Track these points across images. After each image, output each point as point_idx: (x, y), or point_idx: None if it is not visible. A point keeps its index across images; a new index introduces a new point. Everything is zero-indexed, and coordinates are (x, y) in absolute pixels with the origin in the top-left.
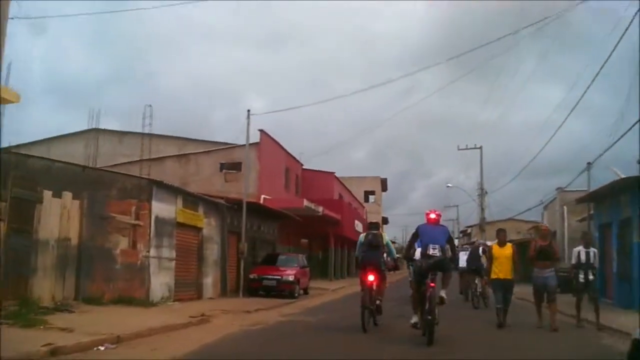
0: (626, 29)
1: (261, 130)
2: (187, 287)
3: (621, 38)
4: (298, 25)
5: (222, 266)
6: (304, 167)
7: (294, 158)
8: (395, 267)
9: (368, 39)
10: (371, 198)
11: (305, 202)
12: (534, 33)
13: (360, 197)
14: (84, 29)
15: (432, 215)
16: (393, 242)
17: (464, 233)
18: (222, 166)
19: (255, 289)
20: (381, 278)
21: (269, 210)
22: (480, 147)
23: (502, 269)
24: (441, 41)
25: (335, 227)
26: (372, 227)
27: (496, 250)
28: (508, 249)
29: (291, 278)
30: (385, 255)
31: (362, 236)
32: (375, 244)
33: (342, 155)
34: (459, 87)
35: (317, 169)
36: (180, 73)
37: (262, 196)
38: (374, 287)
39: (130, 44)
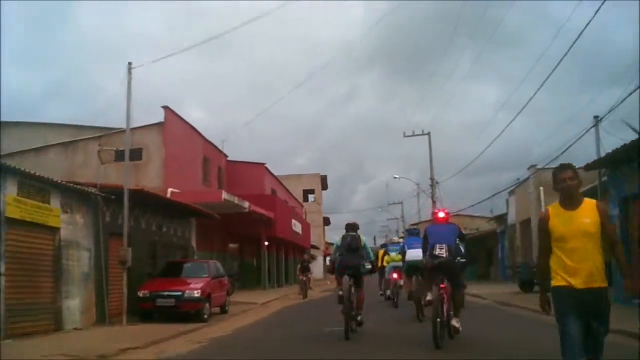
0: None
1: (166, 107)
2: (33, 315)
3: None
4: (238, 31)
5: (97, 282)
6: (229, 158)
7: (216, 147)
8: (373, 270)
9: (308, 43)
10: (311, 197)
11: (225, 195)
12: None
13: (299, 196)
14: None
15: (441, 214)
16: None
17: (409, 232)
18: (119, 154)
19: (147, 312)
20: (359, 284)
21: (178, 206)
22: (428, 134)
23: (580, 265)
24: (380, 44)
25: (268, 227)
26: (349, 228)
27: (558, 217)
28: (589, 212)
29: (196, 293)
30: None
31: (338, 239)
32: (354, 247)
33: (285, 162)
34: (398, 90)
35: (246, 160)
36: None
37: (169, 189)
38: (353, 295)
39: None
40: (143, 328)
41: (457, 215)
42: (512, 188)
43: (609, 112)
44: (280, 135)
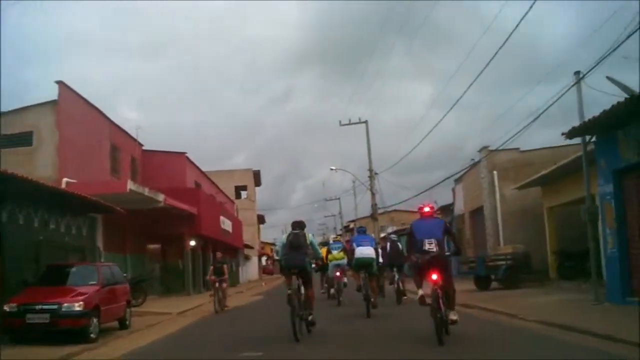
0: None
1: (60, 83)
2: None
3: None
4: (174, 31)
5: None
6: (145, 148)
7: (128, 135)
8: (322, 268)
9: (245, 43)
10: (243, 194)
11: (131, 185)
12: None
13: (231, 194)
14: None
15: (426, 209)
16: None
17: (346, 228)
18: (6, 140)
19: (17, 331)
20: (308, 282)
21: (70, 199)
22: (366, 122)
23: None
24: (314, 43)
25: (192, 224)
26: (294, 226)
27: None
28: None
29: (78, 306)
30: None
31: (283, 237)
32: (296, 245)
33: (221, 162)
34: (334, 89)
35: (165, 149)
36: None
37: (64, 179)
38: (302, 293)
39: None
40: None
41: (395, 210)
42: (461, 174)
43: (594, 67)
44: (217, 134)
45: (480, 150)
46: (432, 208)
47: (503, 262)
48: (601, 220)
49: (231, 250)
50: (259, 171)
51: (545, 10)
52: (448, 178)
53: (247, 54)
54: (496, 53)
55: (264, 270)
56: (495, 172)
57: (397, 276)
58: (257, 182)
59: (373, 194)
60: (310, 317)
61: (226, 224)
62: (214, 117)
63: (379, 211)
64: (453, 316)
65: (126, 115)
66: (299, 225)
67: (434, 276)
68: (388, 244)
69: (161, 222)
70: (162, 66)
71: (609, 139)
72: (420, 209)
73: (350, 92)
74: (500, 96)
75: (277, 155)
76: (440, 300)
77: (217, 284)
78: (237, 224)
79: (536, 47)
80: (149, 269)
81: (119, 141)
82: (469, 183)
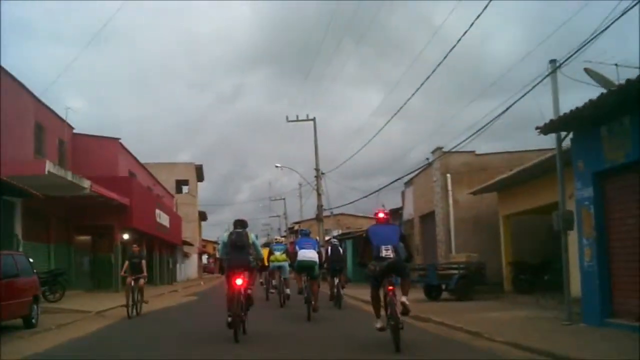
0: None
1: None
2: None
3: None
4: (121, 24)
5: None
6: (75, 131)
7: (56, 115)
8: (263, 268)
9: (193, 39)
10: (185, 189)
11: (50, 167)
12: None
13: (171, 188)
14: None
15: (381, 215)
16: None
17: (291, 230)
18: None
19: None
20: (251, 280)
21: None
22: (314, 119)
23: None
24: (266, 42)
25: (123, 216)
26: (237, 225)
27: None
28: None
29: None
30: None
31: (224, 235)
32: (240, 244)
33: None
34: (284, 91)
35: (97, 134)
36: None
37: None
38: (243, 291)
39: None
40: None
41: (342, 214)
42: (412, 176)
43: (569, 57)
44: (160, 130)
45: (433, 152)
46: (386, 214)
47: (456, 272)
48: (577, 229)
49: (168, 246)
50: (201, 166)
51: (494, 26)
52: (398, 179)
53: (194, 50)
54: (444, 58)
55: (204, 269)
56: (448, 175)
57: (336, 281)
58: (200, 177)
59: (319, 195)
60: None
61: (163, 218)
62: (158, 112)
63: (325, 213)
64: (405, 300)
65: (67, 101)
66: (241, 224)
67: (392, 282)
68: (329, 248)
69: (89, 211)
70: (107, 58)
71: (589, 136)
72: (376, 214)
73: (299, 94)
74: (450, 107)
75: (223, 153)
76: (396, 308)
77: (132, 283)
78: (175, 219)
79: (485, 61)
80: (77, 261)
81: (46, 121)
82: (420, 186)
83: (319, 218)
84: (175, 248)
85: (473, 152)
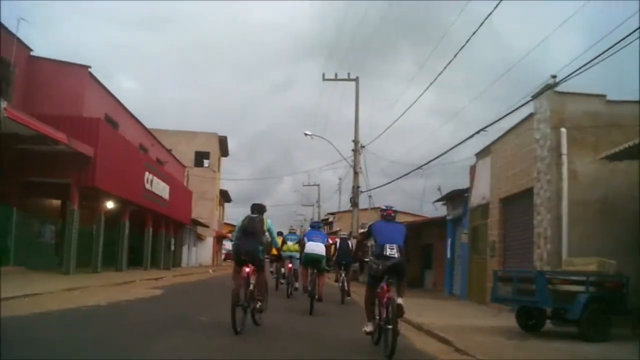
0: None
1: None
2: None
3: None
4: (177, 8)
5: None
6: (33, 53)
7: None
8: (277, 258)
9: (248, 27)
10: (205, 163)
11: None
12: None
13: (190, 160)
14: None
15: (388, 211)
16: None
17: (325, 222)
18: None
19: None
20: (259, 270)
21: None
22: (356, 79)
23: None
24: (321, 35)
25: (83, 172)
26: (253, 209)
27: None
28: None
29: None
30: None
31: (240, 219)
32: (251, 231)
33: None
34: (335, 85)
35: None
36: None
37: None
38: (251, 281)
39: None
40: None
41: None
42: (483, 145)
43: None
44: (204, 114)
45: (534, 96)
46: (393, 212)
47: (582, 289)
48: None
49: (170, 224)
50: (225, 137)
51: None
52: (463, 142)
53: (246, 37)
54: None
55: (227, 256)
56: (563, 131)
57: (342, 275)
58: (224, 152)
59: (356, 173)
60: (258, 305)
61: (158, 187)
62: (205, 95)
63: (363, 205)
64: (401, 302)
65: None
66: (258, 209)
67: (390, 284)
68: (338, 241)
69: (36, 163)
70: (160, 41)
71: None
72: (383, 210)
73: (346, 88)
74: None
75: (265, 143)
76: (388, 311)
77: None
78: (182, 193)
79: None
80: (29, 230)
81: None
82: (504, 154)
83: (354, 202)
84: (183, 227)
85: (603, 96)
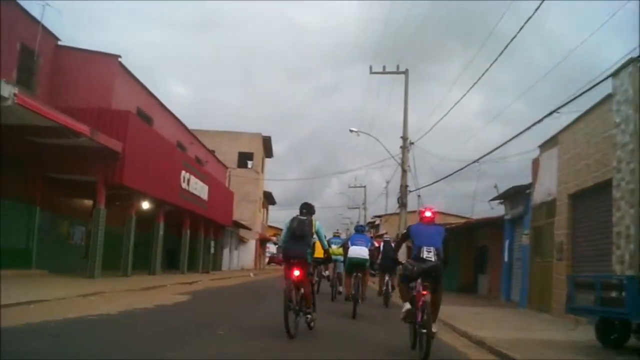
0: None
1: None
2: None
3: None
4: (227, 12)
5: None
6: (60, 43)
7: (26, 13)
8: (328, 260)
9: (297, 31)
10: (249, 164)
11: None
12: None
13: (233, 160)
14: None
15: (428, 213)
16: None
17: (372, 225)
18: None
19: None
20: (306, 275)
21: None
22: (406, 71)
23: None
24: (370, 39)
25: (110, 167)
26: (302, 211)
27: None
28: None
29: None
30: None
31: (287, 220)
32: (299, 234)
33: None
34: (383, 88)
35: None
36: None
37: None
38: (300, 285)
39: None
40: None
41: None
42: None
43: None
44: (256, 118)
45: (614, 74)
46: (434, 213)
47: None
48: None
49: (210, 225)
50: (269, 138)
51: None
52: (554, 112)
53: (296, 40)
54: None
55: (271, 259)
56: None
57: (387, 278)
58: (268, 153)
59: (404, 171)
60: (308, 316)
61: (196, 187)
62: (256, 99)
63: (412, 207)
64: (434, 328)
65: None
66: (307, 210)
67: (426, 287)
68: (382, 244)
69: (62, 159)
70: (210, 45)
71: None
72: (422, 212)
73: (396, 90)
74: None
75: (313, 147)
76: (424, 313)
77: None
78: (223, 194)
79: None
80: (58, 232)
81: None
82: (574, 143)
83: (402, 202)
84: (223, 229)
85: None
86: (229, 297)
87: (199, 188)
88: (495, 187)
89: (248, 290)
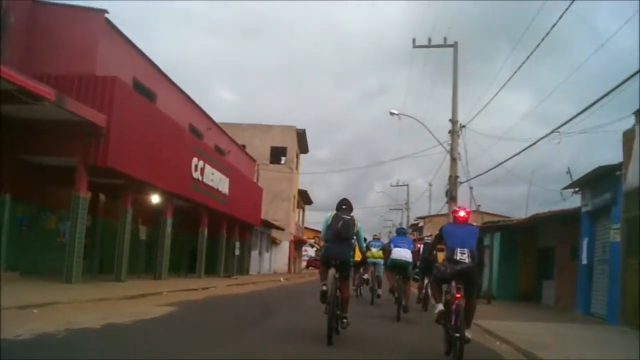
0: None
1: None
2: None
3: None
4: (273, 19)
5: None
6: None
7: None
8: (363, 262)
9: (343, 36)
10: (282, 159)
11: None
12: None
13: (266, 156)
14: None
15: (462, 213)
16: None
17: (415, 227)
18: None
19: None
20: (346, 280)
21: None
22: (455, 44)
23: None
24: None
25: (92, 146)
26: (342, 207)
27: None
28: None
29: None
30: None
31: (328, 216)
32: (344, 236)
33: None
34: (429, 91)
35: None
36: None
37: None
38: (339, 292)
39: None
40: None
41: (482, 211)
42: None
43: None
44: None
45: None
46: (468, 213)
47: None
48: None
49: (235, 225)
50: (304, 131)
51: None
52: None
53: (340, 45)
54: None
55: (309, 263)
56: None
57: (426, 281)
58: (303, 148)
59: (453, 159)
60: (344, 320)
61: (212, 178)
62: (302, 103)
63: (462, 201)
64: (469, 334)
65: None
66: (347, 206)
67: (460, 290)
68: (421, 247)
69: (29, 135)
70: (257, 52)
71: None
72: (456, 212)
73: (446, 96)
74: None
75: (359, 151)
76: (458, 317)
77: None
78: (248, 189)
79: None
80: (38, 226)
81: None
82: None
83: (450, 195)
84: (252, 229)
85: None
86: (232, 309)
87: (216, 180)
88: (568, 171)
89: (266, 299)
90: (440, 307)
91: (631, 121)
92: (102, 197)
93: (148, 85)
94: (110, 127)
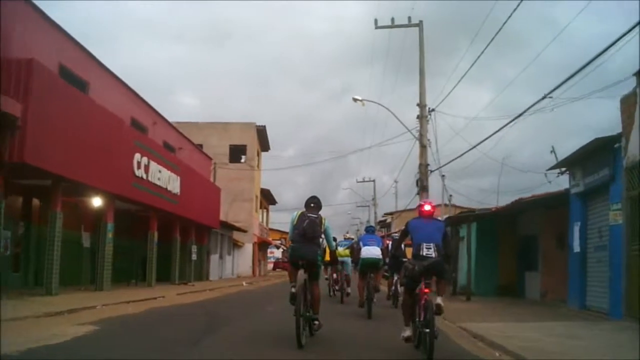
0: None
1: None
2: None
3: None
4: (238, 23)
5: None
6: None
7: None
8: (333, 261)
9: (306, 38)
10: (243, 158)
11: None
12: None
13: (225, 155)
14: None
15: (427, 207)
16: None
17: (382, 224)
18: None
19: None
20: (315, 279)
21: None
22: (420, 23)
23: None
24: (377, 43)
25: (7, 140)
26: (310, 205)
27: None
28: None
29: None
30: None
31: (294, 215)
32: (311, 235)
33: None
34: (394, 88)
35: None
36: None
37: None
38: (308, 292)
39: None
40: None
41: (455, 205)
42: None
43: None
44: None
45: None
46: (433, 207)
47: None
48: None
49: (192, 228)
50: (264, 127)
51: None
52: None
53: (304, 47)
54: None
55: (276, 265)
56: None
57: (395, 277)
58: (264, 146)
59: (423, 146)
60: (316, 322)
61: (160, 176)
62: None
63: (438, 202)
64: (440, 301)
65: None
66: (316, 206)
67: (429, 285)
68: (389, 243)
69: None
70: (222, 56)
71: None
72: (421, 206)
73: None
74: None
75: (324, 150)
76: (426, 312)
77: None
78: (204, 189)
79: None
80: None
81: None
82: None
83: (421, 184)
84: (210, 232)
85: None
86: (167, 325)
87: (164, 178)
88: (552, 150)
89: (213, 309)
90: (408, 332)
91: (631, 84)
92: (35, 201)
93: (78, 73)
94: (27, 118)
